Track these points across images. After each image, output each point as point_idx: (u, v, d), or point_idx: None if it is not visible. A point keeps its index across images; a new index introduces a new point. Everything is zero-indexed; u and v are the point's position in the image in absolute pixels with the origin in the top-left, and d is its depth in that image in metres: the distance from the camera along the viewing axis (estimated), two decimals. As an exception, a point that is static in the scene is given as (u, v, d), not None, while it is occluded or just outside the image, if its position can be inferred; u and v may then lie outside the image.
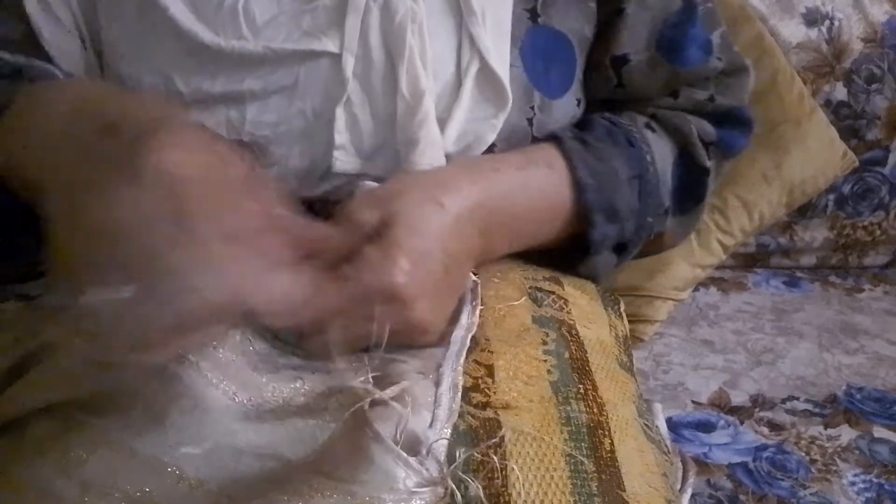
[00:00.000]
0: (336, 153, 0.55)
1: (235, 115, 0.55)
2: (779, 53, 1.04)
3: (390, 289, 0.46)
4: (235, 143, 0.49)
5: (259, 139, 0.55)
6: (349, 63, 0.55)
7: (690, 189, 0.69)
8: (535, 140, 0.61)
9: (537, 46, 0.61)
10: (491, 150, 0.59)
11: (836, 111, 1.12)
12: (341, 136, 0.55)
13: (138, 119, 0.40)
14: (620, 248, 0.65)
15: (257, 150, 0.56)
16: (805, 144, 1.02)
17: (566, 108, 0.64)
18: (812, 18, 1.10)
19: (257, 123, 0.55)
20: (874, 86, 1.11)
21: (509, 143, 0.60)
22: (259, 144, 0.56)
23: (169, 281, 0.36)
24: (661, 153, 0.66)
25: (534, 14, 0.62)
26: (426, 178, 0.54)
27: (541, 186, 0.59)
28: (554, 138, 0.61)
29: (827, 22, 1.10)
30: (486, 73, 0.57)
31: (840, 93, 1.11)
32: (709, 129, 0.69)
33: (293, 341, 0.49)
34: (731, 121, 0.71)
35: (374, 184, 0.54)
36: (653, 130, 0.67)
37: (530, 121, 0.61)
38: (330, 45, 0.55)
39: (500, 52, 0.58)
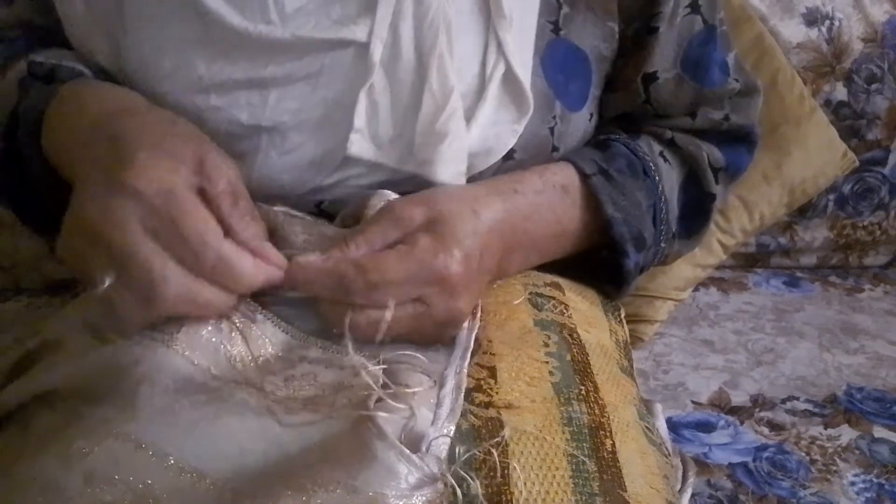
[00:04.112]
0: (352, 136, 0.55)
1: (257, 100, 0.55)
2: (779, 53, 1.04)
3: (445, 274, 0.48)
4: (226, 158, 0.49)
5: (278, 125, 0.55)
6: (377, 49, 0.54)
7: (696, 214, 0.71)
8: (555, 150, 0.62)
9: (557, 59, 0.61)
10: (511, 156, 0.59)
11: (836, 111, 1.12)
12: (360, 119, 0.55)
13: (134, 138, 0.47)
14: (640, 270, 0.67)
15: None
16: (805, 144, 1.03)
17: (582, 122, 0.64)
18: (812, 18, 1.10)
19: (278, 109, 0.55)
20: (874, 86, 1.11)
21: (528, 150, 0.60)
22: (276, 130, 0.56)
23: (142, 273, 0.43)
24: (670, 183, 0.68)
25: (556, 26, 0.62)
26: (458, 190, 0.55)
27: (555, 210, 0.60)
28: (577, 169, 0.62)
29: (827, 22, 1.10)
30: (510, 79, 0.57)
31: (840, 93, 1.11)
32: (718, 155, 0.70)
33: (313, 333, 0.49)
34: (741, 139, 0.73)
35: (392, 193, 0.55)
36: (665, 160, 0.69)
37: (552, 130, 0.61)
38: (359, 34, 0.54)
39: (524, 59, 0.58)
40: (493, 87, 0.57)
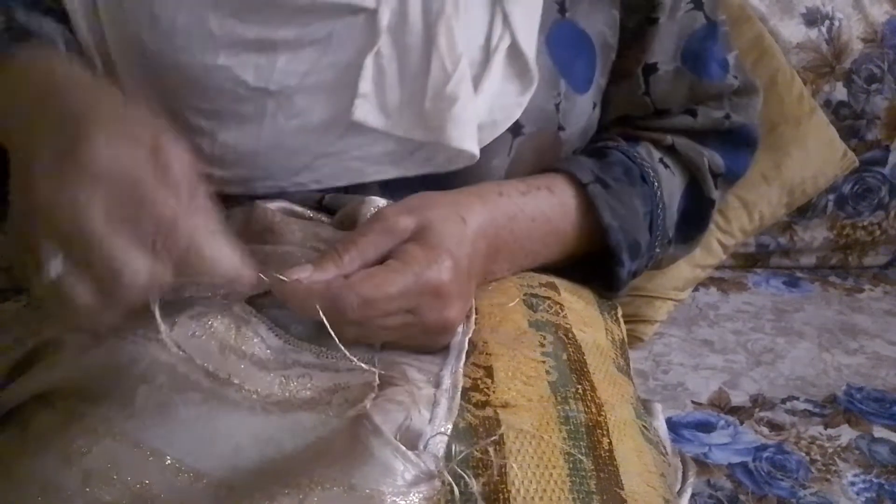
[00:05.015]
0: (357, 101, 0.55)
1: (265, 62, 0.55)
2: (779, 53, 1.04)
3: (438, 284, 0.48)
4: (179, 138, 0.43)
5: (284, 89, 0.56)
6: (385, 16, 0.55)
7: (695, 220, 0.72)
8: (562, 129, 0.63)
9: (562, 39, 0.62)
10: (520, 131, 0.60)
11: (836, 111, 1.12)
12: (366, 85, 0.55)
13: (88, 114, 0.42)
14: (633, 276, 0.68)
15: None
16: (805, 144, 1.03)
17: (587, 107, 0.65)
18: (812, 18, 1.10)
19: (286, 73, 0.56)
20: (874, 86, 1.11)
21: (536, 124, 0.60)
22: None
23: (107, 261, 0.39)
24: (670, 189, 0.68)
25: (562, 7, 0.62)
26: (444, 196, 0.55)
27: (542, 210, 0.60)
28: (574, 179, 0.62)
29: (827, 22, 1.10)
30: (515, 52, 0.58)
31: (840, 93, 1.11)
32: (719, 161, 0.71)
33: (307, 337, 0.49)
34: (741, 140, 0.73)
35: (383, 200, 0.55)
36: (666, 166, 0.69)
37: (557, 106, 0.62)
38: (368, 0, 0.55)
39: (529, 35, 0.59)
40: (498, 59, 0.57)
